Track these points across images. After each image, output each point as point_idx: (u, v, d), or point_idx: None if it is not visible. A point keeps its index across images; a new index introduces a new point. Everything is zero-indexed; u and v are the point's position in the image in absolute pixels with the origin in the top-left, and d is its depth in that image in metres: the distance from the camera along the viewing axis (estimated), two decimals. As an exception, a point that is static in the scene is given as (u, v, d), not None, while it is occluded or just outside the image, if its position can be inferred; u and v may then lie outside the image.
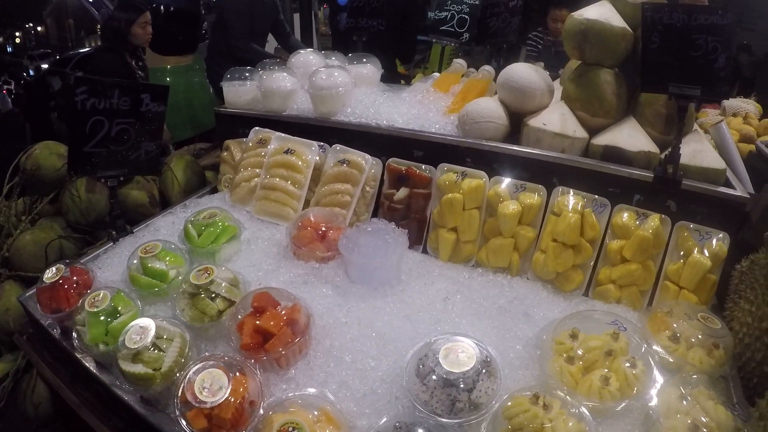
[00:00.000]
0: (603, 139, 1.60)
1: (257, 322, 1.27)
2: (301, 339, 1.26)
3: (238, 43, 4.31)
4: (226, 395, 1.11)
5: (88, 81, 1.85)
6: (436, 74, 2.24)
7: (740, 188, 1.51)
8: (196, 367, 1.17)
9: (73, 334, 1.48)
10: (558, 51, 3.83)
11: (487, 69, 2.06)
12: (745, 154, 2.45)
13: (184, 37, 4.27)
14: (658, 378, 1.17)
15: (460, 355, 1.11)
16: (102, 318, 1.41)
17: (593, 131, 1.66)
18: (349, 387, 1.20)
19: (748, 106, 3.07)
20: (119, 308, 1.44)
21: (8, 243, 2.14)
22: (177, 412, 1.14)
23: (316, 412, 1.10)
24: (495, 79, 1.87)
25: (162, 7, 4.16)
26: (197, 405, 1.10)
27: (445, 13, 2.83)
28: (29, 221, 2.23)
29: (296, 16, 7.23)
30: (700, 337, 1.27)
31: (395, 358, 1.25)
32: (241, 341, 1.26)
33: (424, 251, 1.77)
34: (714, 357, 1.24)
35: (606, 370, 1.15)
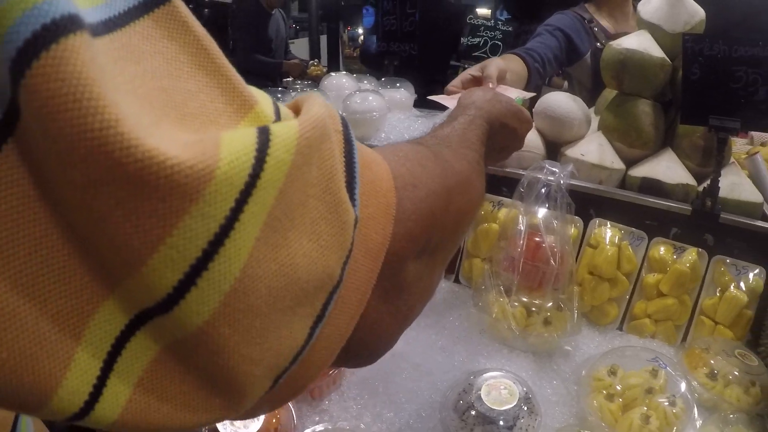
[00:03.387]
0: (640, 171, 1.59)
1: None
2: (336, 370, 1.24)
3: (235, 57, 4.18)
4: (258, 428, 1.07)
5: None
6: None
7: (777, 222, 1.49)
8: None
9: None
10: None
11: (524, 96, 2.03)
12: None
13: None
14: (696, 416, 1.16)
15: (502, 391, 1.10)
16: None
17: (630, 162, 1.64)
18: (384, 420, 1.20)
19: (777, 134, 3.03)
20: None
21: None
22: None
23: (352, 446, 1.09)
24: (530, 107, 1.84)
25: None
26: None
27: (477, 39, 2.84)
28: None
29: (323, 38, 7.14)
30: (737, 374, 1.26)
31: (431, 392, 1.24)
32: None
33: (457, 281, 1.76)
34: (751, 395, 1.22)
35: (645, 408, 1.14)
